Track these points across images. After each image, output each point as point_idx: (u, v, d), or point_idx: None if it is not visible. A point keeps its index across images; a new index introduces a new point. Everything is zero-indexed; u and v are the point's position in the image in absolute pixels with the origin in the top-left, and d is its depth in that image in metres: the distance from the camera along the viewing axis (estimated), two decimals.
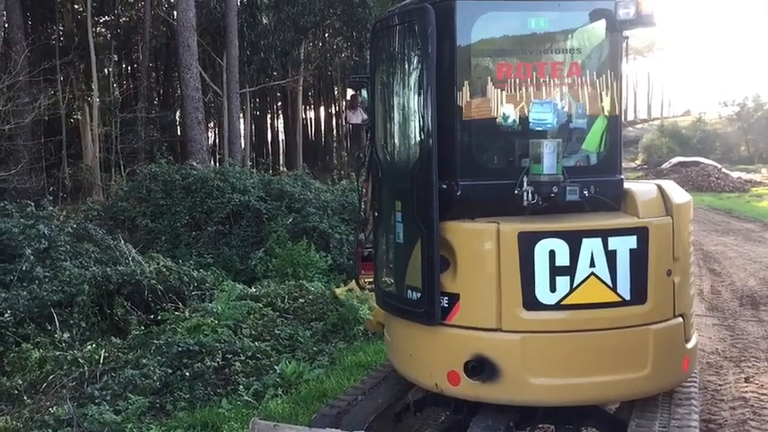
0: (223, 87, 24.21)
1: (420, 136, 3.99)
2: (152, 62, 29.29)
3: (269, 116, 41.65)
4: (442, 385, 4.00)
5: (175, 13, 22.07)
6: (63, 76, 22.02)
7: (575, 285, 3.79)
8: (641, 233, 3.89)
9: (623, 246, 3.85)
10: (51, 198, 14.80)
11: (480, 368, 3.80)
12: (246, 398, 6.56)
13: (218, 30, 24.57)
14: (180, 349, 7.13)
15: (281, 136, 38.25)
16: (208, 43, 25.32)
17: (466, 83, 3.92)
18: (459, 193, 3.90)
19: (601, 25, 4.04)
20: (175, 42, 21.29)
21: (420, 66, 3.94)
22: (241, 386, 6.76)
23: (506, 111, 3.97)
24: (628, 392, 4.01)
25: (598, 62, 4.08)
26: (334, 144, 44.49)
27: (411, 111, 4.16)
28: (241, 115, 25.29)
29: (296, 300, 9.34)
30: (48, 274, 8.80)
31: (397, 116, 4.37)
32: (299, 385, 6.84)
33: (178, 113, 28.59)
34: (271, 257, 11.93)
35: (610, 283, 3.83)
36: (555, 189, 3.82)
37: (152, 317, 8.72)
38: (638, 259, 3.86)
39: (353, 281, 8.63)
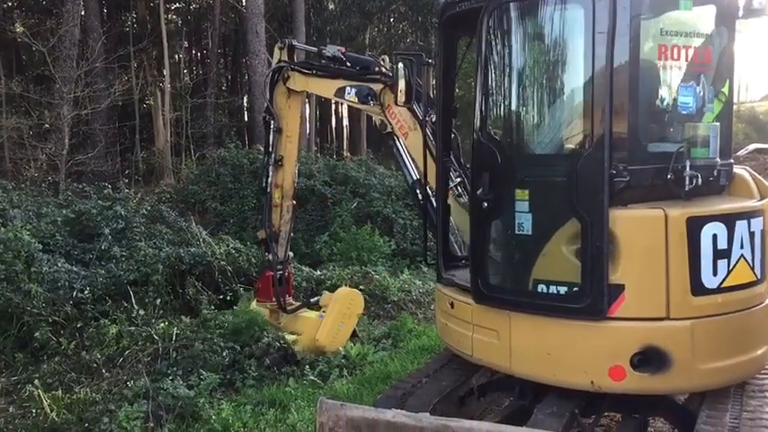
0: None
1: (586, 119, 3.79)
2: (221, 48, 29.90)
3: (333, 102, 41.93)
4: (601, 382, 3.78)
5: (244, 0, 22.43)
6: (136, 63, 22.68)
7: (731, 268, 3.80)
8: (765, 215, 3.99)
9: (758, 227, 3.93)
10: (126, 181, 15.33)
11: (648, 359, 3.71)
12: (312, 377, 6.72)
13: (285, 16, 24.88)
14: (247, 328, 7.32)
15: (345, 121, 38.49)
16: (275, 29, 25.63)
17: (632, 62, 3.76)
18: (628, 179, 3.73)
19: (729, 13, 4.03)
20: (244, 29, 21.68)
21: (591, 44, 3.68)
22: (307, 366, 6.92)
23: (663, 93, 3.94)
24: (756, 369, 4.07)
25: (720, 48, 4.08)
26: None
27: (567, 93, 3.99)
28: (306, 101, 25.54)
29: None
30: (124, 254, 9.13)
31: (538, 98, 4.12)
32: (364, 367, 6.95)
33: (246, 99, 29.08)
34: (335, 241, 12.10)
35: (751, 263, 3.88)
36: (714, 173, 3.85)
37: (221, 297, 8.98)
38: (763, 239, 3.95)
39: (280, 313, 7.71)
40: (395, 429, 3.41)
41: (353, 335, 7.75)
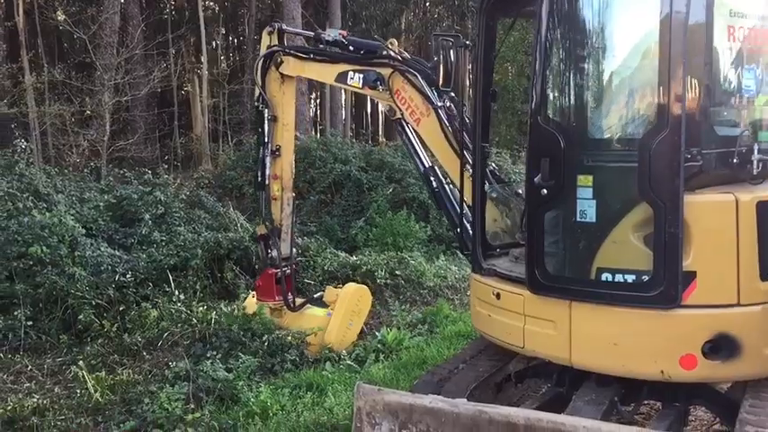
0: None
1: (661, 103, 3.62)
2: (257, 35, 29.94)
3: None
4: (671, 371, 3.70)
5: None
6: (175, 50, 22.88)
7: None
8: None
9: None
10: (166, 166, 15.53)
11: (719, 347, 3.64)
12: (349, 362, 6.77)
13: (321, 1, 24.85)
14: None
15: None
16: (311, 15, 25.64)
17: (707, 43, 3.67)
18: (701, 164, 3.64)
19: None
20: (280, 15, 21.72)
21: (668, 24, 3.53)
22: (343, 350, 6.97)
23: (730, 75, 3.87)
24: None
25: None
26: None
27: (640, 75, 3.85)
28: (343, 88, 25.52)
29: (393, 274, 9.46)
30: (164, 239, 9.29)
31: (607, 81, 3.98)
32: (400, 352, 6.98)
33: None
34: (371, 227, 12.11)
35: None
36: None
37: None
38: None
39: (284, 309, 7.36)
40: (432, 414, 3.41)
41: (361, 332, 7.61)
